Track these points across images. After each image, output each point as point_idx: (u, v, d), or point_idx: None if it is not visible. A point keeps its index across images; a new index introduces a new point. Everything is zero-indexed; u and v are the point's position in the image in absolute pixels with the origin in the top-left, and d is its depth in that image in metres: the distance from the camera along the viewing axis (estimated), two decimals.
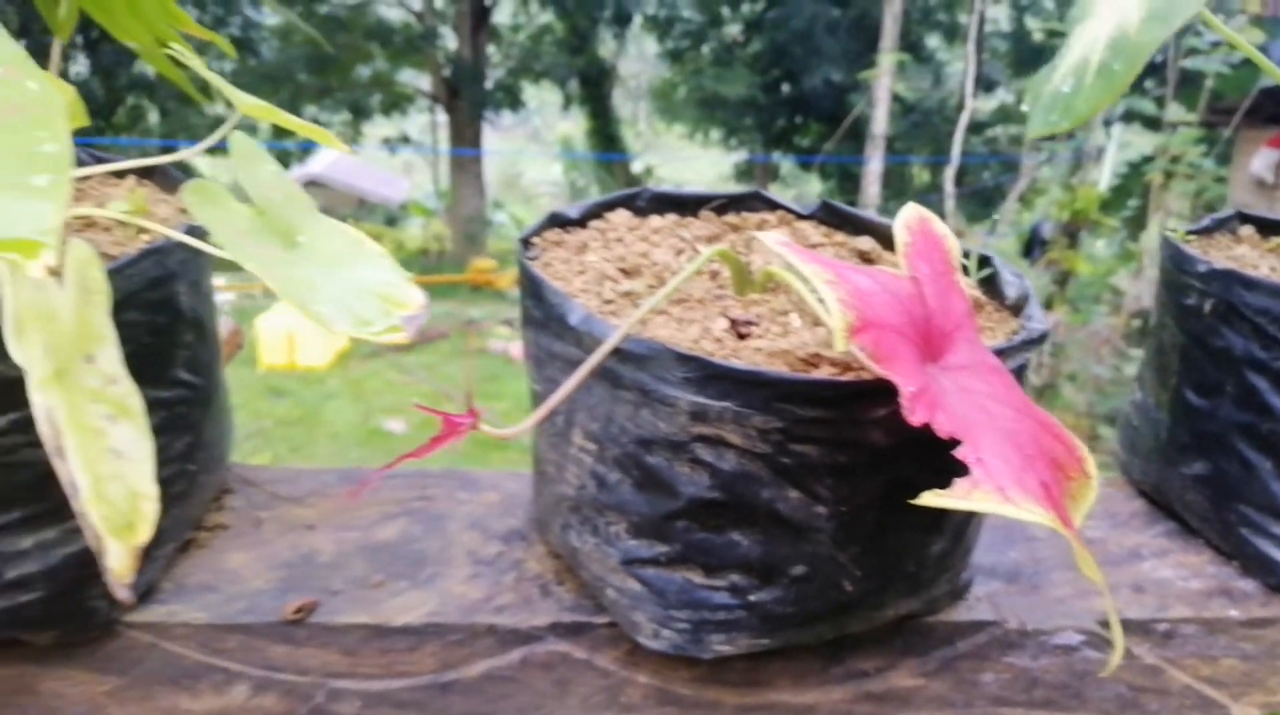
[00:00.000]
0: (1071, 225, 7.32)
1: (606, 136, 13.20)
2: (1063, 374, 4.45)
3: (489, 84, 12.06)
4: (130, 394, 0.45)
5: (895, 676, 0.59)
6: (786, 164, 14.11)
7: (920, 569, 0.53)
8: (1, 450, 0.47)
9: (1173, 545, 0.66)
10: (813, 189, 14.35)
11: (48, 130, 0.39)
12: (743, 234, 0.64)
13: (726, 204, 0.66)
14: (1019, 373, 0.49)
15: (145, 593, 0.55)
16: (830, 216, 0.64)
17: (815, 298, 0.49)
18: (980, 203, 11.67)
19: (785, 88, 12.05)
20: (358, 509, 0.64)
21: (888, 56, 8.88)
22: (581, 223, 0.62)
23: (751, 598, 0.50)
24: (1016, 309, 0.54)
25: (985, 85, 11.01)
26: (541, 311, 0.52)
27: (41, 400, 0.39)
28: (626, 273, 0.56)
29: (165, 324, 0.52)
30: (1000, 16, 11.56)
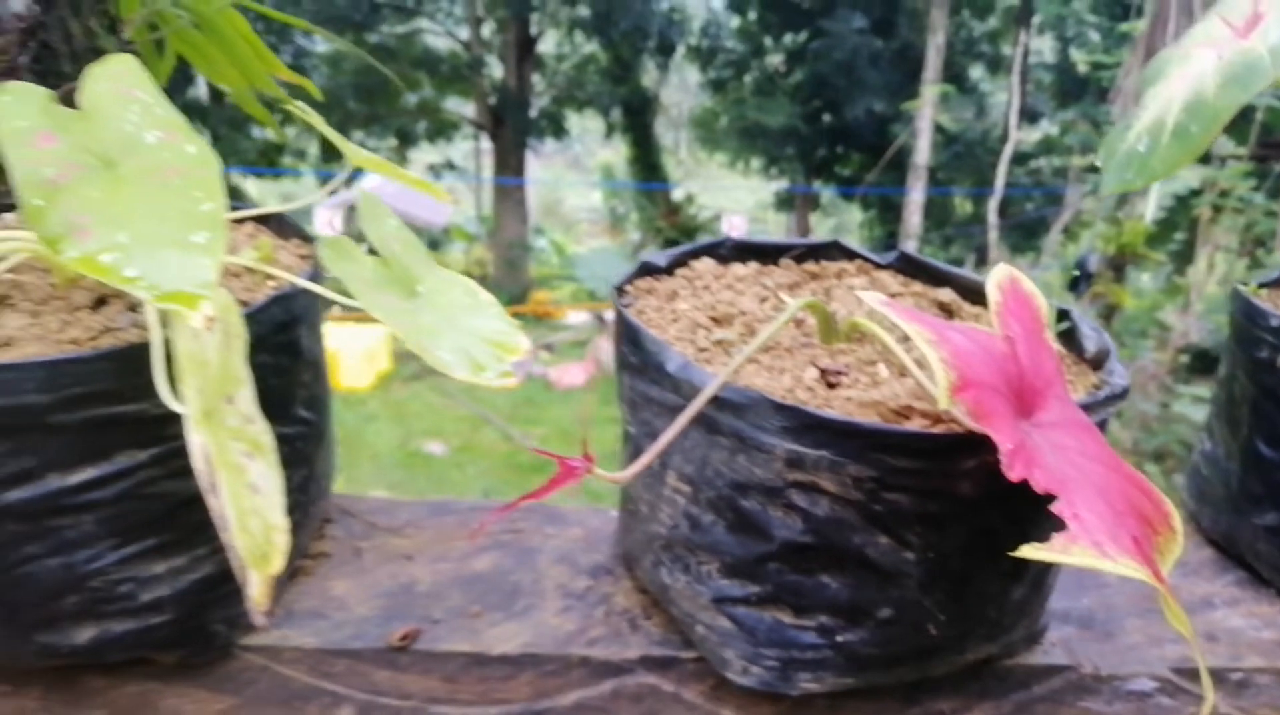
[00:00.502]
0: (1118, 259, 7.26)
1: (648, 165, 13.30)
2: None
3: (533, 112, 12.23)
4: (264, 432, 0.48)
5: None
6: (827, 194, 14.13)
7: (1001, 614, 0.55)
8: (141, 482, 0.50)
9: (1244, 594, 0.67)
10: (853, 219, 14.33)
11: (204, 190, 0.43)
12: (822, 282, 0.67)
13: (806, 253, 0.68)
14: (1101, 426, 0.51)
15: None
16: (908, 266, 0.67)
17: (905, 351, 0.51)
18: (1024, 235, 11.58)
19: (827, 118, 12.08)
20: (452, 540, 0.68)
21: (931, 87, 8.89)
22: (669, 271, 0.65)
23: (839, 638, 0.52)
24: (1096, 363, 0.56)
25: (1029, 117, 10.98)
26: (639, 358, 0.55)
27: (198, 439, 0.42)
28: (717, 321, 0.58)
29: (288, 365, 0.55)
30: (1044, 48, 11.53)
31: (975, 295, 0.64)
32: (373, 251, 0.52)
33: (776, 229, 15.93)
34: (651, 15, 10.82)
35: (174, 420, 0.50)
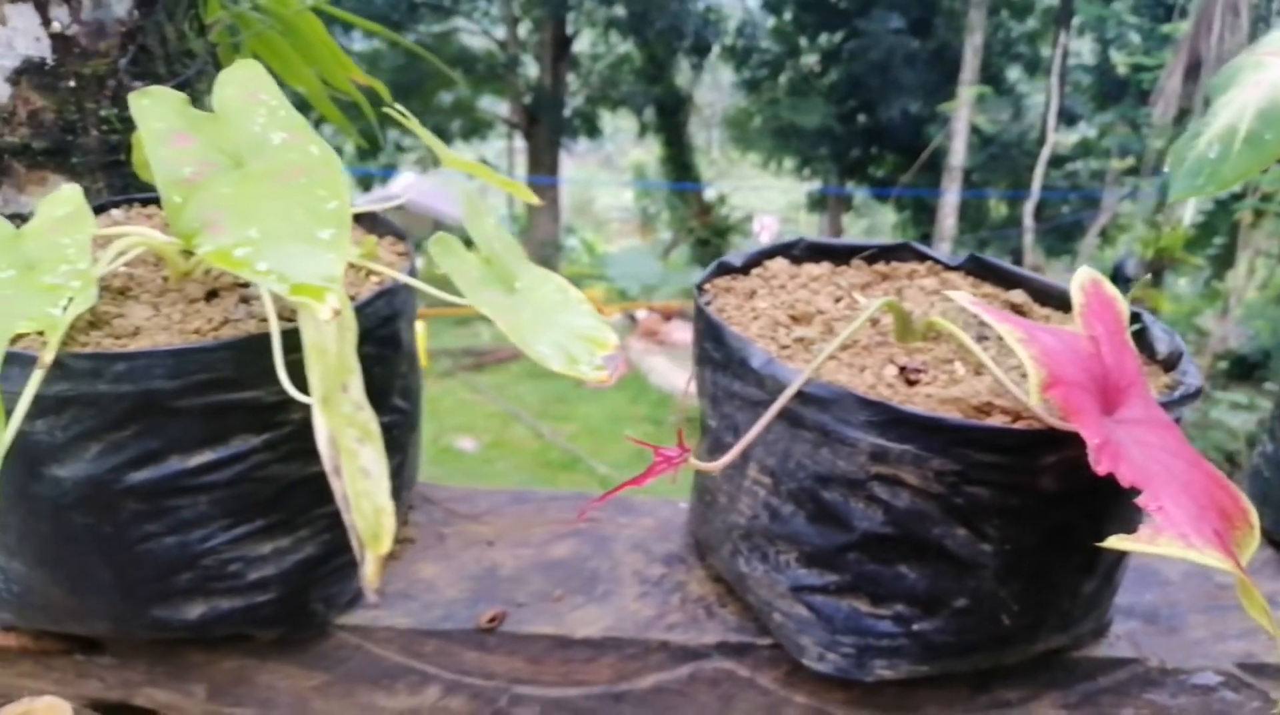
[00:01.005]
0: (1156, 263, 7.18)
1: (681, 164, 13.31)
2: None
3: (567, 111, 12.29)
4: (372, 419, 0.51)
5: (1038, 707, 0.62)
6: (860, 195, 14.06)
7: (1073, 606, 0.56)
8: (253, 466, 0.53)
9: None
10: (886, 221, 14.26)
11: (328, 189, 0.46)
12: (893, 282, 0.68)
13: (877, 254, 0.70)
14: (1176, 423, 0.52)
15: (353, 598, 0.61)
16: (978, 268, 0.68)
17: (981, 350, 0.53)
18: (1060, 238, 11.47)
19: (861, 118, 12.03)
20: (530, 527, 0.70)
21: (968, 89, 8.83)
22: (745, 270, 0.67)
23: (915, 627, 0.54)
24: (1167, 365, 0.58)
25: (1067, 119, 10.86)
26: (722, 354, 0.57)
27: (323, 424, 0.45)
28: (796, 319, 0.60)
29: (390, 356, 0.58)
30: (1084, 49, 11.41)
31: (1045, 297, 0.65)
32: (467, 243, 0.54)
33: (808, 230, 15.88)
34: (687, 15, 10.84)
35: (285, 407, 0.53)
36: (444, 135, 12.40)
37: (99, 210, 0.65)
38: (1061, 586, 0.55)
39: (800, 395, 0.52)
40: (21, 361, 0.46)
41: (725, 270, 0.66)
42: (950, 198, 9.38)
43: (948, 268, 0.69)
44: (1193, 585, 0.68)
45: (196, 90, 0.78)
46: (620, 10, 11.21)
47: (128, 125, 0.74)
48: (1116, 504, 0.53)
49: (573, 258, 13.98)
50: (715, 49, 12.07)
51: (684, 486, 0.72)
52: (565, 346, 0.52)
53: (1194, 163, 0.62)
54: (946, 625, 0.54)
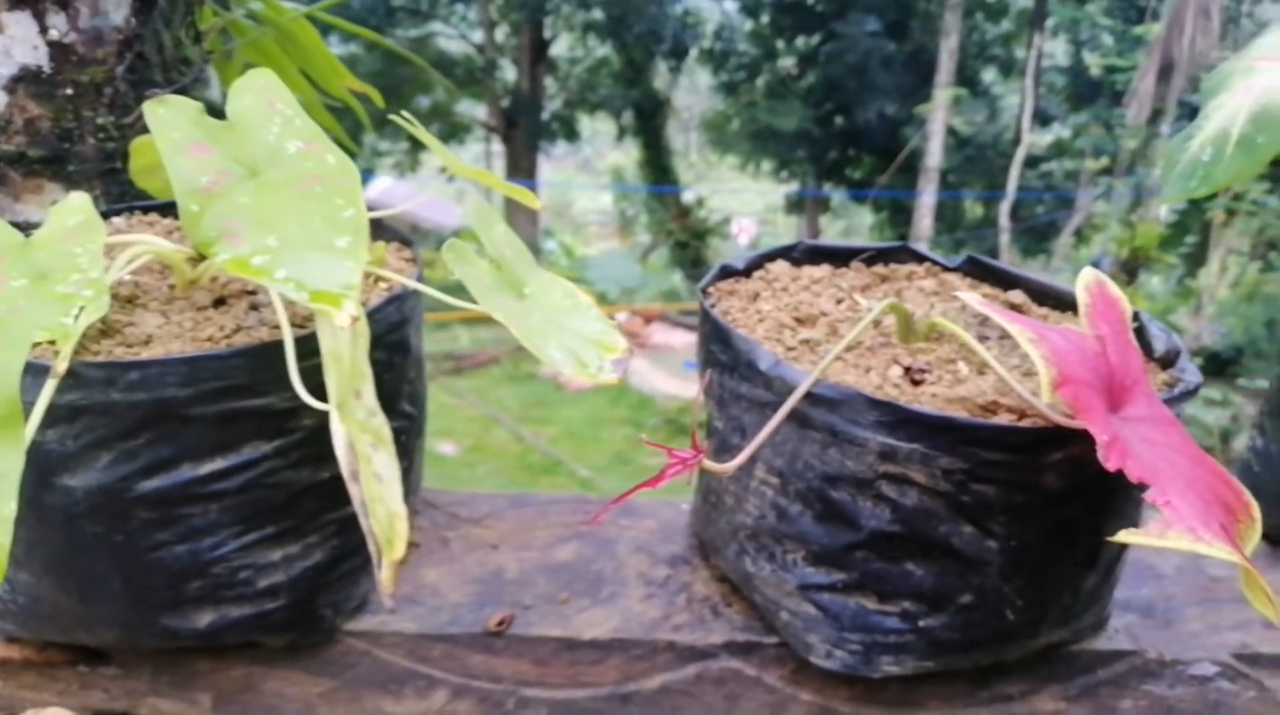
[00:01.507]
0: (1130, 262, 7.28)
1: (659, 167, 13.33)
2: None
3: (545, 115, 12.28)
4: (384, 424, 0.51)
5: (1039, 701, 0.63)
6: (837, 197, 14.13)
7: (1074, 601, 0.57)
8: (264, 473, 0.53)
9: None
10: (864, 222, 14.34)
11: (345, 197, 0.46)
12: (892, 284, 0.69)
13: (876, 256, 0.71)
14: None
15: (360, 604, 0.61)
16: (976, 269, 0.69)
17: (987, 348, 0.54)
18: (1035, 238, 11.58)
19: (838, 121, 12.09)
20: (532, 531, 0.70)
21: (943, 91, 8.91)
22: (747, 273, 0.68)
23: (921, 623, 0.55)
24: (1165, 362, 0.59)
25: (1041, 120, 10.98)
26: (728, 356, 0.57)
27: (341, 430, 0.45)
28: (801, 321, 0.61)
29: (399, 362, 0.58)
30: (1057, 51, 11.53)
31: (1042, 297, 0.66)
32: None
33: (786, 232, 15.95)
34: (665, 19, 10.86)
35: (295, 414, 0.53)
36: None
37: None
38: (1063, 582, 0.56)
39: (808, 396, 0.52)
40: (35, 371, 0.45)
41: (728, 273, 0.67)
42: (927, 199, 9.45)
43: (946, 269, 0.70)
44: (1187, 579, 0.70)
45: (193, 98, 0.78)
46: (598, 14, 11.22)
47: (124, 133, 0.74)
48: (1117, 500, 0.54)
49: (551, 261, 13.96)
50: (693, 52, 12.10)
51: (675, 488, 0.72)
52: (575, 351, 0.52)
53: (1187, 165, 0.64)
54: (952, 621, 0.55)
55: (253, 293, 0.57)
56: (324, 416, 0.45)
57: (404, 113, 0.60)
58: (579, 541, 0.70)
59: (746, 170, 14.55)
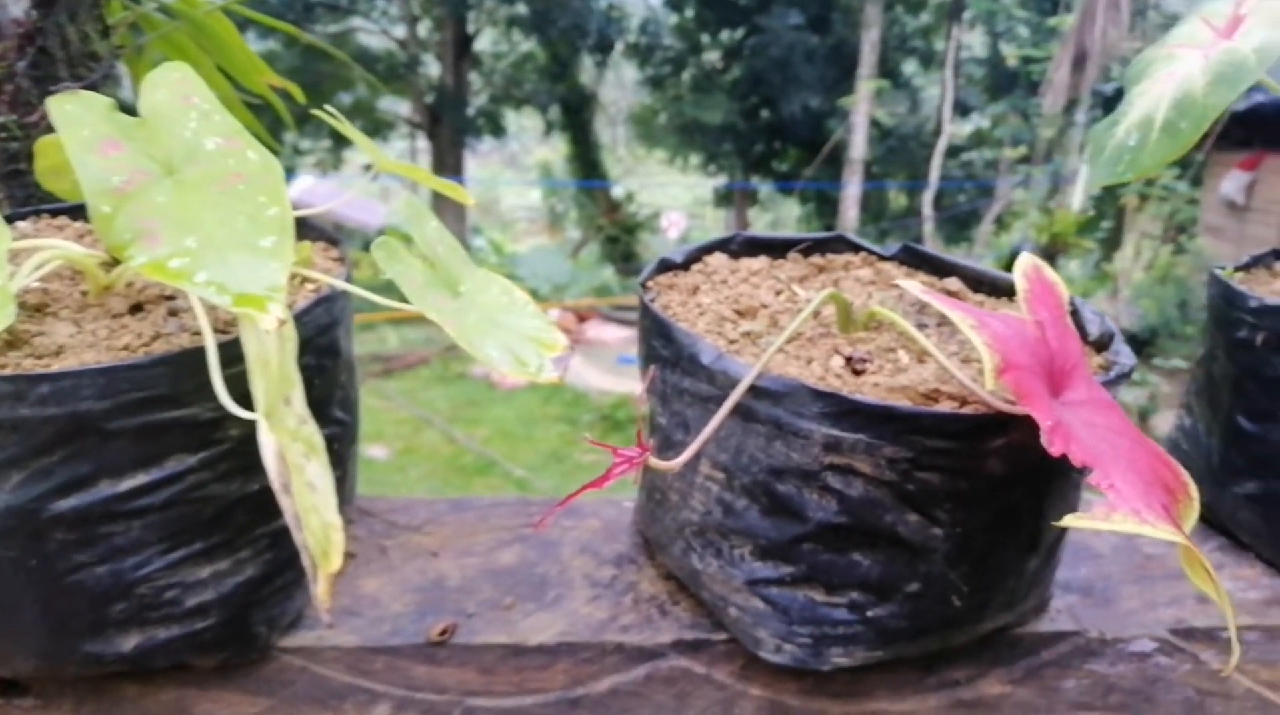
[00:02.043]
0: (1050, 248, 7.50)
1: (587, 162, 13.30)
2: None
3: (470, 111, 12.15)
4: (316, 432, 0.49)
5: (984, 685, 0.63)
6: (765, 189, 14.28)
7: (1018, 585, 0.58)
8: (189, 487, 0.51)
9: (1227, 559, 0.71)
10: (791, 214, 14.52)
11: (269, 195, 0.44)
12: (830, 274, 0.69)
13: (812, 247, 0.71)
14: None
15: (296, 619, 0.59)
16: (911, 258, 0.70)
17: (926, 336, 0.54)
18: (957, 226, 11.86)
19: (764, 114, 12.21)
20: (474, 535, 0.69)
21: (866, 83, 9.06)
22: (685, 267, 0.67)
23: (869, 613, 0.55)
24: (1099, 346, 0.60)
25: (961, 110, 11.23)
26: (670, 351, 0.57)
27: (270, 440, 0.43)
28: (741, 314, 0.61)
29: (330, 366, 0.56)
30: (975, 43, 11.80)
31: (978, 284, 0.67)
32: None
33: (715, 225, 16.05)
34: (590, 13, 10.83)
35: (221, 424, 0.51)
36: (345, 138, 12.10)
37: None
38: (1007, 566, 0.56)
39: (752, 389, 0.52)
40: None
41: (666, 267, 0.66)
42: (852, 190, 9.60)
43: (882, 258, 0.70)
44: (1123, 558, 0.71)
45: (102, 95, 0.74)
46: (522, 8, 11.14)
47: (28, 132, 0.70)
48: (1058, 484, 0.55)
49: (481, 259, 13.82)
50: (618, 46, 12.09)
51: (617, 485, 0.71)
52: (513, 349, 0.51)
53: (1114, 151, 0.65)
54: (900, 610, 0.55)
55: (172, 298, 0.55)
56: (252, 426, 0.43)
57: (327, 107, 0.58)
58: (522, 545, 0.68)
59: (675, 164, 14.62)
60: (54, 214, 0.63)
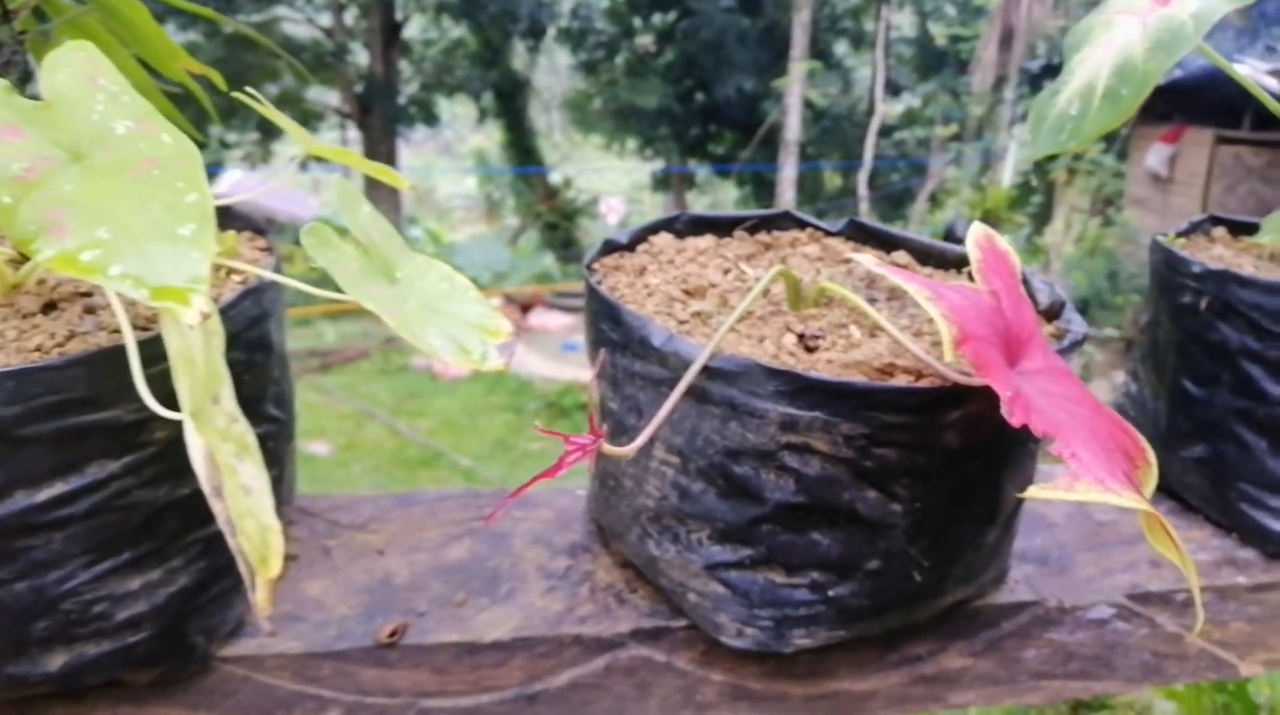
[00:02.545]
0: (982, 223, 7.63)
1: (523, 149, 13.17)
2: None
3: (401, 99, 11.95)
4: (248, 431, 0.47)
5: (946, 659, 0.63)
6: (702, 172, 14.31)
7: (977, 557, 0.57)
8: (114, 494, 0.48)
9: (1177, 522, 0.72)
10: (729, 197, 14.57)
11: (186, 181, 0.41)
12: (777, 251, 0.68)
13: (758, 224, 0.70)
14: None
15: (236, 627, 0.56)
16: (858, 233, 0.69)
17: (876, 310, 0.53)
18: (892, 205, 12.01)
19: (699, 97, 12.21)
20: (421, 531, 0.66)
21: (798, 64, 9.10)
22: (631, 247, 0.65)
23: (830, 593, 0.54)
24: (1050, 314, 0.60)
25: (892, 90, 11.36)
26: (620, 334, 0.55)
27: (198, 441, 0.40)
28: (691, 294, 0.59)
29: (261, 361, 0.53)
30: (904, 23, 11.93)
31: (926, 256, 0.66)
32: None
33: (653, 209, 16.03)
34: None
35: (145, 426, 0.48)
36: (272, 129, 11.84)
37: None
38: (966, 539, 0.56)
39: (705, 370, 0.50)
40: None
41: (612, 248, 0.64)
42: (788, 171, 9.66)
43: (829, 234, 0.69)
44: (1076, 526, 0.71)
45: None
46: None
47: None
48: (1015, 455, 0.55)
49: (418, 249, 13.58)
50: (550, 31, 11.97)
51: (569, 474, 0.70)
52: (456, 336, 0.49)
53: (1056, 120, 0.64)
54: (860, 588, 0.54)
55: (88, 294, 0.51)
56: (178, 427, 0.40)
57: (249, 89, 0.55)
58: (472, 539, 0.66)
59: (611, 149, 14.57)
60: None
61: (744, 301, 0.53)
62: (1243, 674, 0.68)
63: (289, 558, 0.64)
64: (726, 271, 0.64)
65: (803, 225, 0.70)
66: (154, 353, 0.43)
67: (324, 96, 12.78)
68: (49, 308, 0.50)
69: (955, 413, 0.49)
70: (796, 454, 0.50)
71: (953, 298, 0.44)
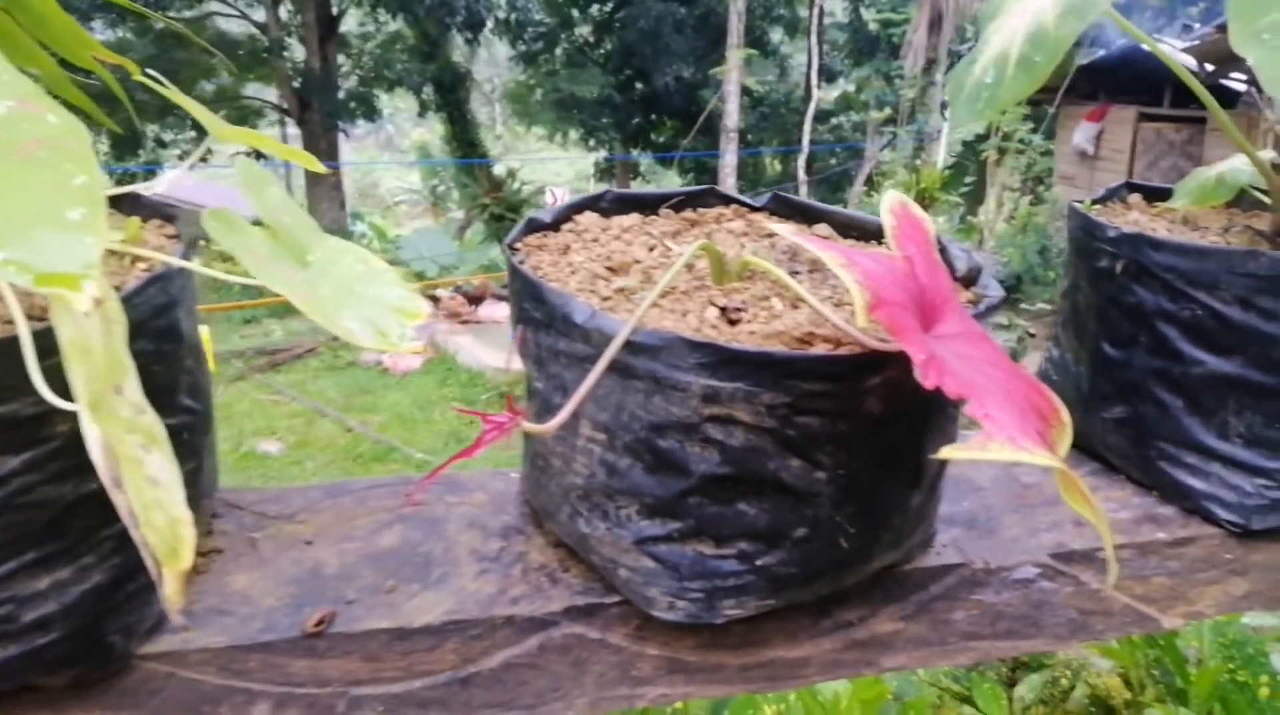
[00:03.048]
0: (917, 203, 7.75)
1: (465, 142, 13.04)
2: None
3: (340, 94, 11.75)
4: (156, 422, 0.45)
5: (877, 623, 0.64)
6: (645, 161, 14.31)
7: (903, 522, 0.58)
8: (14, 492, 0.46)
9: (1099, 482, 0.74)
10: (672, 184, 14.59)
11: (75, 162, 0.40)
12: (702, 228, 0.68)
13: (683, 201, 0.70)
14: None
15: (157, 624, 0.55)
16: (782, 207, 0.69)
17: (799, 282, 0.53)
18: (830, 188, 12.13)
19: (638, 86, 12.20)
20: (352, 520, 0.65)
21: (735, 52, 9.14)
22: (555, 226, 0.65)
23: (759, 562, 0.54)
24: (967, 281, 0.60)
25: (827, 76, 11.45)
26: (543, 312, 0.54)
27: (95, 432, 0.39)
28: (614, 270, 0.59)
29: (170, 351, 0.52)
30: (836, 9, 12.02)
31: (848, 229, 0.66)
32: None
33: None
34: None
35: (49, 420, 0.46)
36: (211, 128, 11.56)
37: None
38: (892, 504, 0.57)
39: (628, 345, 0.50)
40: None
41: (535, 227, 0.64)
42: (729, 158, 9.70)
43: (753, 209, 0.69)
44: (1002, 488, 0.73)
45: None
46: None
47: None
48: (936, 418, 0.55)
49: (363, 244, 13.40)
50: (489, 23, 11.86)
51: (513, 459, 0.69)
52: (373, 320, 0.48)
53: (972, 88, 0.65)
54: (789, 556, 0.54)
55: None
56: None
57: (149, 70, 0.53)
58: (404, 525, 0.66)
59: (555, 140, 14.50)
60: None
61: (665, 276, 0.53)
62: (1165, 627, 0.70)
63: (215, 551, 0.62)
64: (652, 248, 0.63)
65: (728, 201, 0.70)
66: (52, 343, 0.41)
67: (263, 93, 12.53)
68: None
69: (874, 379, 0.50)
70: (720, 426, 0.50)
71: (866, 264, 0.44)
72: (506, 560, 0.62)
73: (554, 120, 13.24)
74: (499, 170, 13.49)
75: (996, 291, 0.55)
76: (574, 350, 0.53)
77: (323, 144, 11.67)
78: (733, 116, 9.49)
